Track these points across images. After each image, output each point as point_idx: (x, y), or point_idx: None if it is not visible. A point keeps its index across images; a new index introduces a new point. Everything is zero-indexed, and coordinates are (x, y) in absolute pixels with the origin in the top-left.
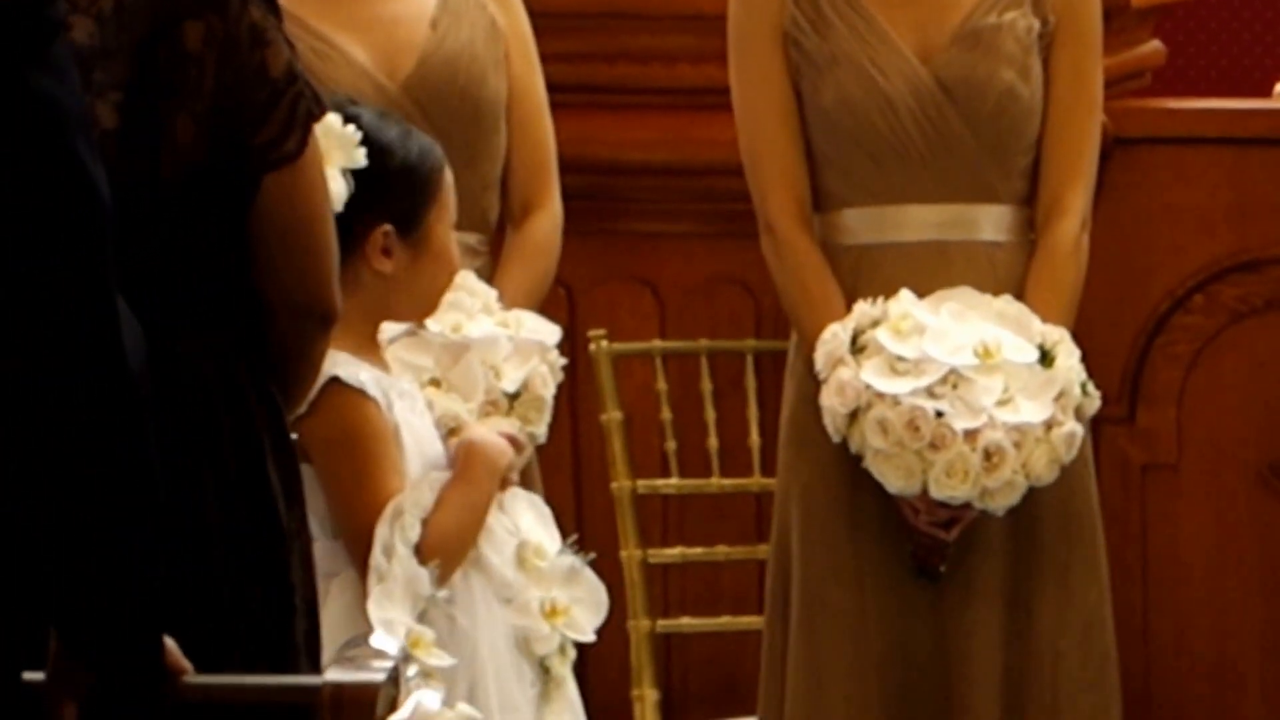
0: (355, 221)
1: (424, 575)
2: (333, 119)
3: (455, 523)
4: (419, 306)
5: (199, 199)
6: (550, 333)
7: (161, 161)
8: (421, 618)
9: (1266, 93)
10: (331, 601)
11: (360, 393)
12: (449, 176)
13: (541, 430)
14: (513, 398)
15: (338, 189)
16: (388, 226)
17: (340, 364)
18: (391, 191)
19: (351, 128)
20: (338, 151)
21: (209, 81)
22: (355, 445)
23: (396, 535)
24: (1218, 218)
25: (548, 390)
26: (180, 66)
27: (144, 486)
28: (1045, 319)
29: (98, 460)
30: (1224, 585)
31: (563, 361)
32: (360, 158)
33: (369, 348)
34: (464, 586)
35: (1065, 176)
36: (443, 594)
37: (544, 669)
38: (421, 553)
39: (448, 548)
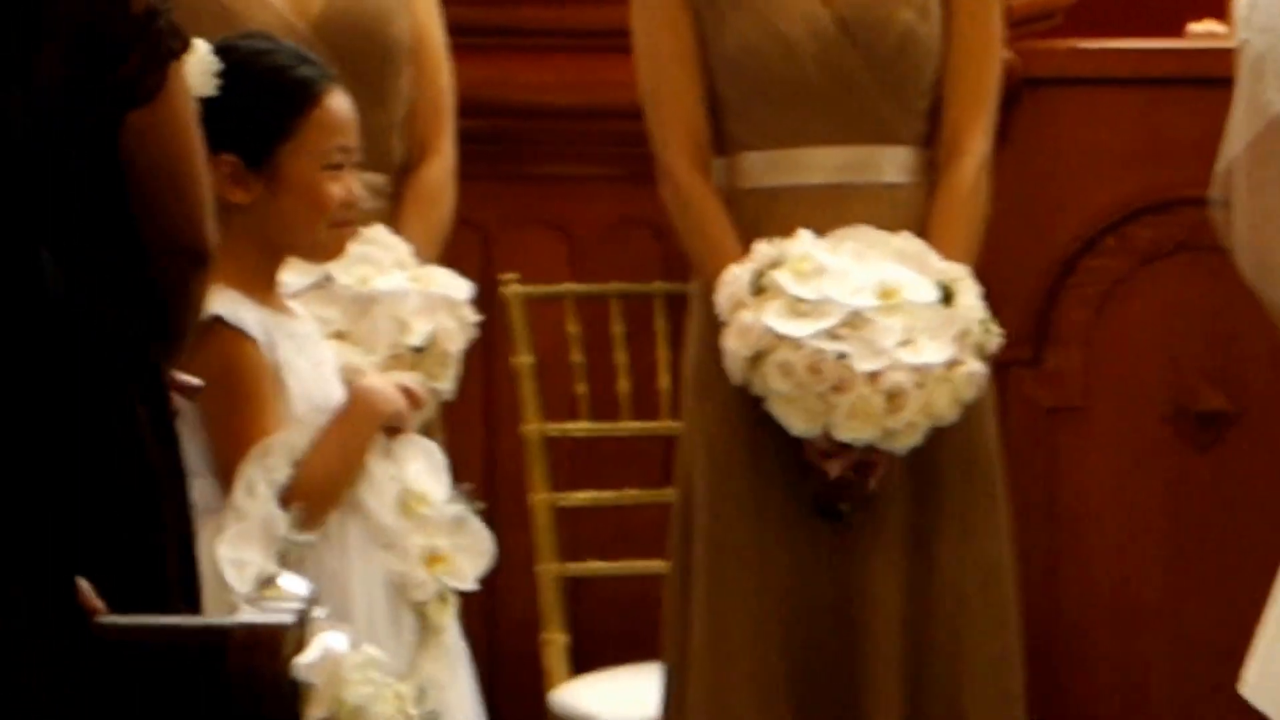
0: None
1: (281, 517)
2: (200, 47)
3: (326, 467)
4: (292, 242)
5: (62, 136)
6: (461, 288)
7: (22, 98)
8: (291, 559)
9: (1178, 32)
10: (204, 538)
11: (240, 332)
12: (327, 116)
13: (447, 386)
14: (418, 352)
15: None
16: (230, 155)
17: (224, 302)
18: (235, 119)
19: (213, 57)
20: (189, 78)
21: (69, 18)
22: (231, 384)
23: (260, 475)
24: (1129, 159)
25: (455, 346)
26: (40, 3)
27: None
28: (947, 259)
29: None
30: (1130, 528)
31: (475, 318)
32: (208, 87)
33: (261, 287)
34: (339, 530)
35: (965, 117)
36: (305, 537)
37: (422, 616)
38: (289, 494)
39: (316, 491)
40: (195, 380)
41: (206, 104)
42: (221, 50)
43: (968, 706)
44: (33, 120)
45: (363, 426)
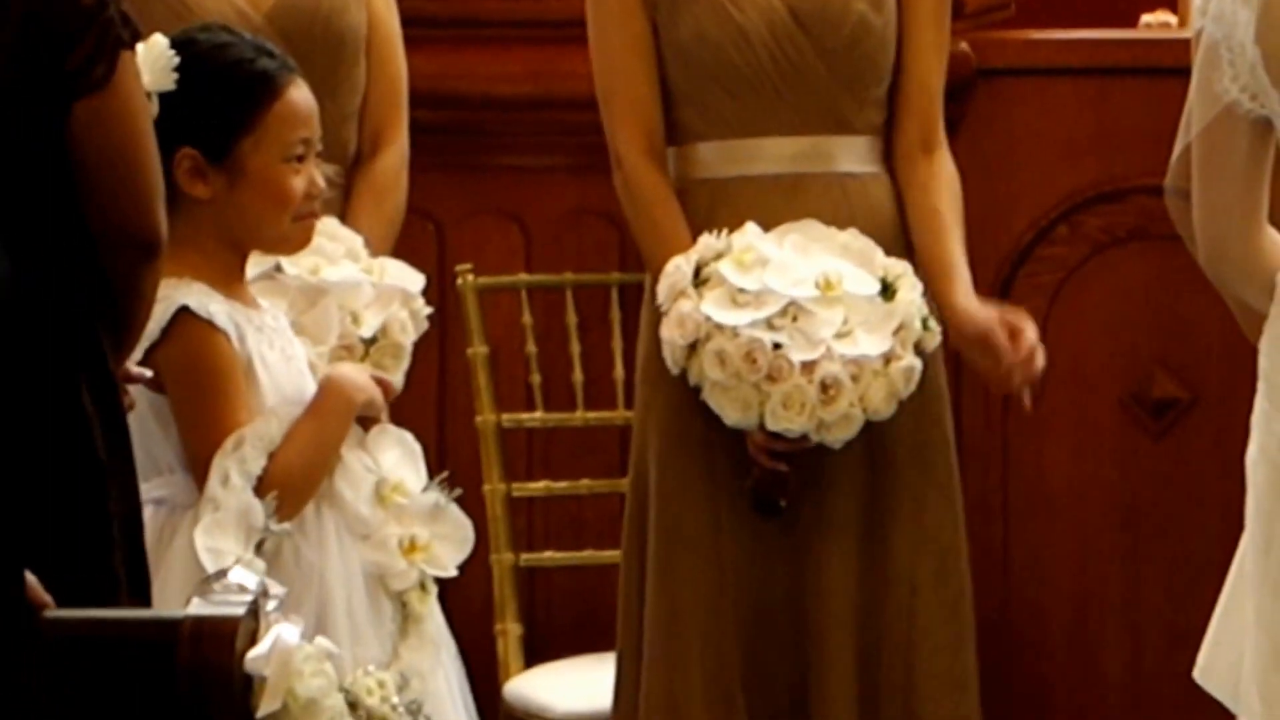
0: (161, 140)
1: (258, 507)
2: (159, 42)
3: (300, 458)
4: (255, 236)
5: (10, 125)
6: (413, 280)
7: None
8: (268, 550)
9: (1132, 23)
10: (182, 534)
11: (209, 324)
12: (288, 109)
13: (398, 378)
14: (369, 343)
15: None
16: (190, 149)
17: (192, 294)
18: (194, 115)
19: (171, 52)
20: (147, 74)
21: (17, 7)
22: (200, 377)
23: (234, 466)
24: (1082, 148)
25: (406, 337)
26: None
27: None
28: (953, 249)
29: None
30: (1085, 516)
31: (427, 310)
32: (167, 81)
33: (228, 280)
34: (315, 521)
35: (935, 109)
36: (282, 527)
37: (402, 605)
38: (263, 485)
39: (290, 482)
40: (146, 371)
41: (165, 98)
42: (180, 44)
43: (921, 694)
44: None
45: (337, 416)
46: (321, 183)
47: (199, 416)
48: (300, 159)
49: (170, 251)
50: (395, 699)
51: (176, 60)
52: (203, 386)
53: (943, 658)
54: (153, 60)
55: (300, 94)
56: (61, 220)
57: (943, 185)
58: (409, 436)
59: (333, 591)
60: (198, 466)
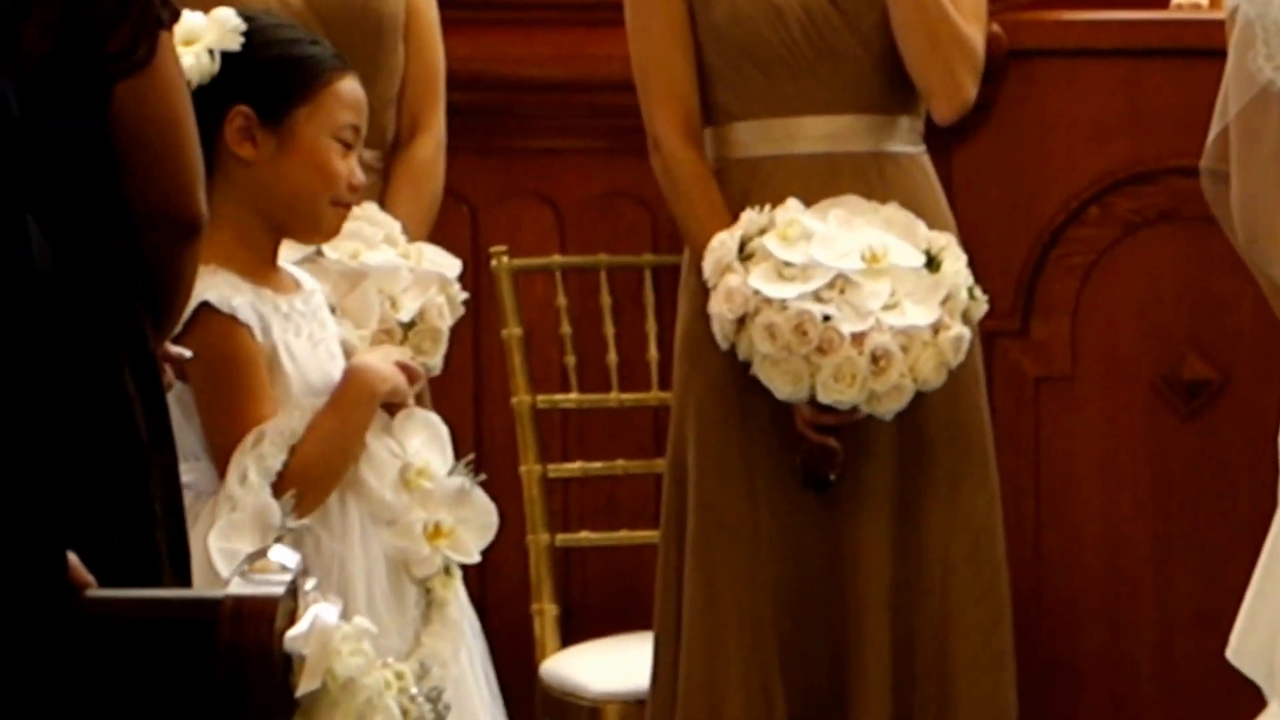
0: (216, 98)
1: (275, 506)
2: (225, 10)
3: (321, 451)
4: (292, 210)
5: (51, 108)
6: (451, 265)
7: (9, 71)
8: (287, 545)
9: (1164, 4)
10: (202, 522)
11: (231, 318)
12: (343, 92)
13: (436, 361)
14: (407, 327)
15: (196, 63)
16: (245, 107)
17: (215, 286)
18: (254, 74)
19: (239, 20)
20: (211, 34)
21: None
22: (222, 372)
23: (252, 462)
24: (1113, 129)
25: (444, 322)
26: None
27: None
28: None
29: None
30: (1116, 498)
31: (464, 295)
32: (232, 42)
33: (256, 262)
34: (339, 511)
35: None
36: (300, 523)
37: (426, 590)
38: (284, 480)
39: (311, 476)
40: (185, 351)
41: (226, 57)
42: (244, 18)
43: (955, 673)
44: (20, 93)
45: (359, 408)
46: (361, 177)
47: (220, 411)
48: (348, 146)
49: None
50: (414, 689)
51: (243, 25)
52: (224, 381)
53: (977, 637)
54: (220, 23)
55: (355, 86)
56: (102, 202)
57: None
58: (435, 419)
59: (354, 583)
60: (219, 460)
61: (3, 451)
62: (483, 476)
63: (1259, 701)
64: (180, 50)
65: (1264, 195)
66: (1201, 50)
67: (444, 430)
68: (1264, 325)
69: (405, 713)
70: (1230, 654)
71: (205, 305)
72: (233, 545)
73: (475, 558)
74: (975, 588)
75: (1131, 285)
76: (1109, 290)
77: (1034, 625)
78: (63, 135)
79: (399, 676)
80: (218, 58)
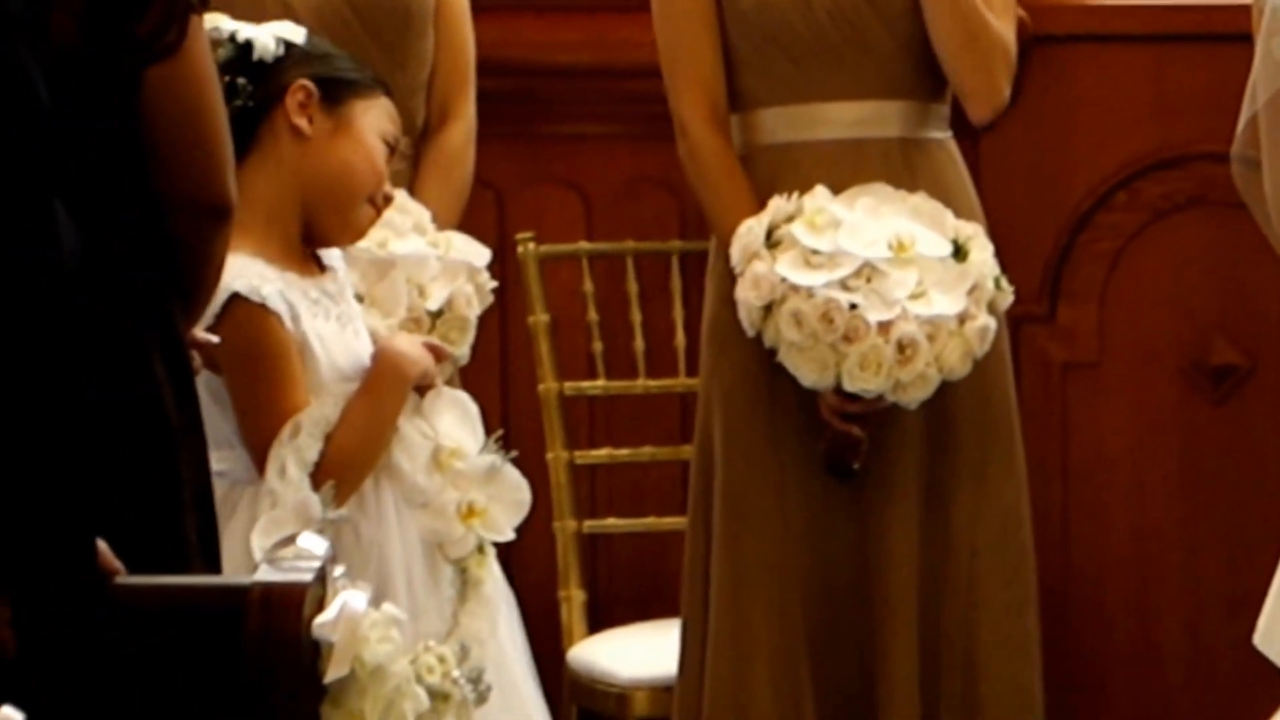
0: (279, 74)
1: (315, 500)
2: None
3: (358, 439)
4: (332, 195)
5: (81, 93)
6: (479, 254)
7: (38, 55)
8: (327, 536)
9: None
10: (240, 512)
11: (261, 307)
12: (390, 106)
13: (464, 350)
14: (435, 316)
15: (261, 42)
16: (308, 82)
17: (244, 275)
18: (316, 61)
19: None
20: (278, 27)
21: None
22: (254, 361)
23: (291, 456)
24: (1140, 115)
25: (472, 311)
26: None
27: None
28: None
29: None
30: (1144, 484)
31: (493, 284)
32: (297, 35)
33: (287, 247)
34: (374, 495)
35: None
36: (339, 514)
37: (461, 571)
38: (321, 469)
39: (347, 463)
40: (213, 337)
41: (289, 46)
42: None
43: (982, 658)
44: (50, 79)
45: (392, 393)
46: (393, 191)
47: (255, 401)
48: (390, 150)
49: (237, 215)
50: (456, 672)
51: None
52: (257, 371)
53: (1003, 623)
54: (285, 24)
55: (394, 109)
56: (132, 187)
57: None
58: (465, 397)
59: (392, 568)
60: (256, 451)
61: (31, 438)
62: (514, 453)
63: None
64: (246, 26)
65: None
66: (1229, 35)
67: (474, 408)
68: None
69: (448, 696)
70: (1258, 640)
71: (235, 296)
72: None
73: (509, 535)
74: (1002, 573)
75: (1159, 271)
76: (1137, 276)
77: (1061, 611)
78: (93, 121)
79: (441, 660)
80: (281, 46)
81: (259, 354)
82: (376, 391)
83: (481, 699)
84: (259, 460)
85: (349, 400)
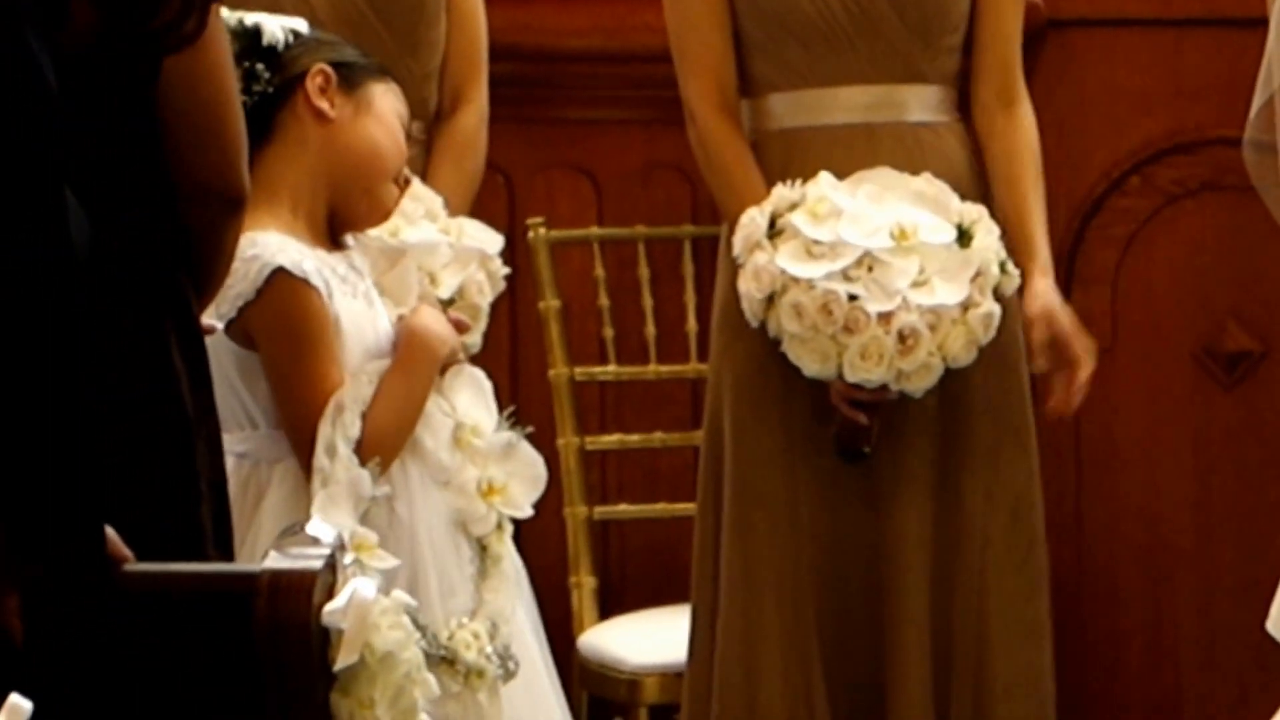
0: (294, 60)
1: (365, 476)
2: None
3: (394, 415)
4: (358, 175)
5: (98, 83)
6: (492, 241)
7: (55, 44)
8: (364, 517)
9: None
10: (273, 490)
11: (305, 282)
12: (399, 94)
13: (475, 339)
14: (447, 304)
15: (272, 32)
16: (326, 66)
17: (286, 250)
18: (327, 45)
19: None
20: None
21: None
22: (298, 336)
23: (339, 434)
24: (1153, 100)
25: (484, 299)
26: None
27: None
28: (1032, 224)
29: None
30: (1157, 469)
31: (505, 271)
32: (302, 24)
33: (314, 228)
34: (401, 475)
35: (1011, 57)
36: (382, 489)
37: (482, 547)
38: (360, 447)
39: (385, 440)
40: (216, 324)
41: (300, 35)
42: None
43: (993, 643)
44: (68, 67)
45: (424, 369)
46: (409, 173)
47: (298, 378)
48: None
49: (261, 199)
50: (489, 648)
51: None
52: (300, 346)
53: (1014, 607)
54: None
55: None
56: (146, 175)
57: (1023, 147)
58: (479, 373)
59: (423, 546)
60: (297, 428)
61: (38, 427)
62: (529, 429)
63: None
64: (251, 15)
65: None
66: (1243, 20)
67: (487, 384)
68: None
69: (483, 672)
70: (1271, 625)
71: (279, 270)
72: (332, 519)
73: (528, 511)
74: (1013, 558)
75: (1172, 255)
76: (1149, 260)
77: (1074, 596)
78: (110, 110)
79: (476, 637)
80: (289, 33)
81: (303, 330)
82: (409, 369)
83: (510, 675)
84: (300, 436)
85: (382, 378)
